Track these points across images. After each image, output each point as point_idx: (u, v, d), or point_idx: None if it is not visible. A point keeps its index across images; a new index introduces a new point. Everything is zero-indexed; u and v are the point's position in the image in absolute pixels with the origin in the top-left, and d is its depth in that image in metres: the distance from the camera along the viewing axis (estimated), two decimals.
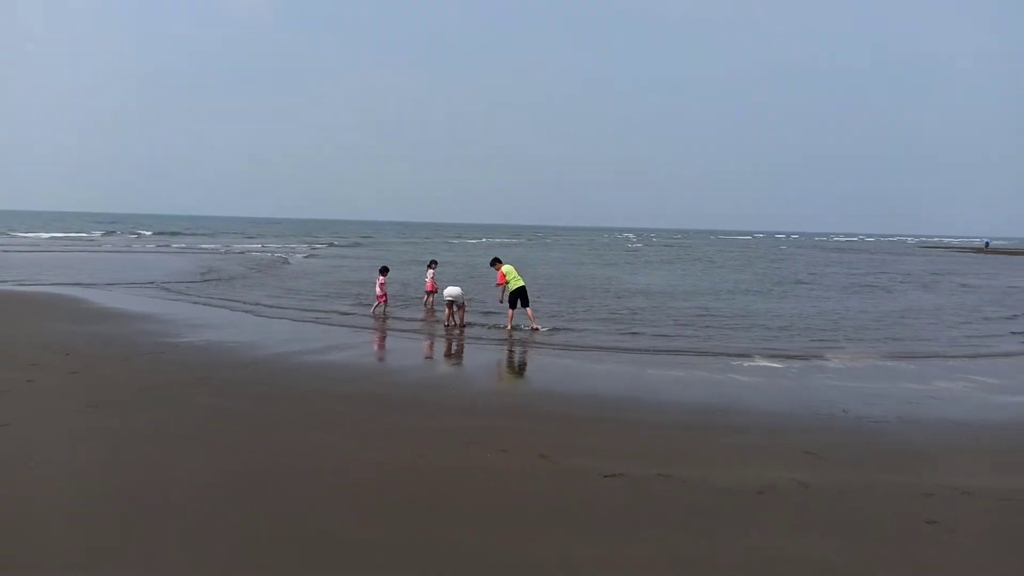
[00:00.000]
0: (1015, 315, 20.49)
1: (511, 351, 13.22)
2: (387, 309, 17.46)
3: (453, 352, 13.33)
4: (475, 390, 9.79)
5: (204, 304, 18.73)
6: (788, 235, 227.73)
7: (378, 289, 17.25)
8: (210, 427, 7.39)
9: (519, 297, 15.31)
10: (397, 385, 9.72)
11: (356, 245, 66.15)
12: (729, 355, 13.15)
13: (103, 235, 68.63)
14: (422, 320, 16.94)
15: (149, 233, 75.93)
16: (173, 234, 76.90)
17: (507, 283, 15.36)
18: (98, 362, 10.39)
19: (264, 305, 18.65)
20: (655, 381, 10.62)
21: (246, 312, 17.35)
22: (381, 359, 12.31)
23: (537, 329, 15.03)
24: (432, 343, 14.15)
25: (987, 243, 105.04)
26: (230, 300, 19.66)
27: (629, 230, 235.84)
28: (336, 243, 68.55)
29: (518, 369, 11.94)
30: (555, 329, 15.42)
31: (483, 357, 12.80)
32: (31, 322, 14.11)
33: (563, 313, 18.45)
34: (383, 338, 14.46)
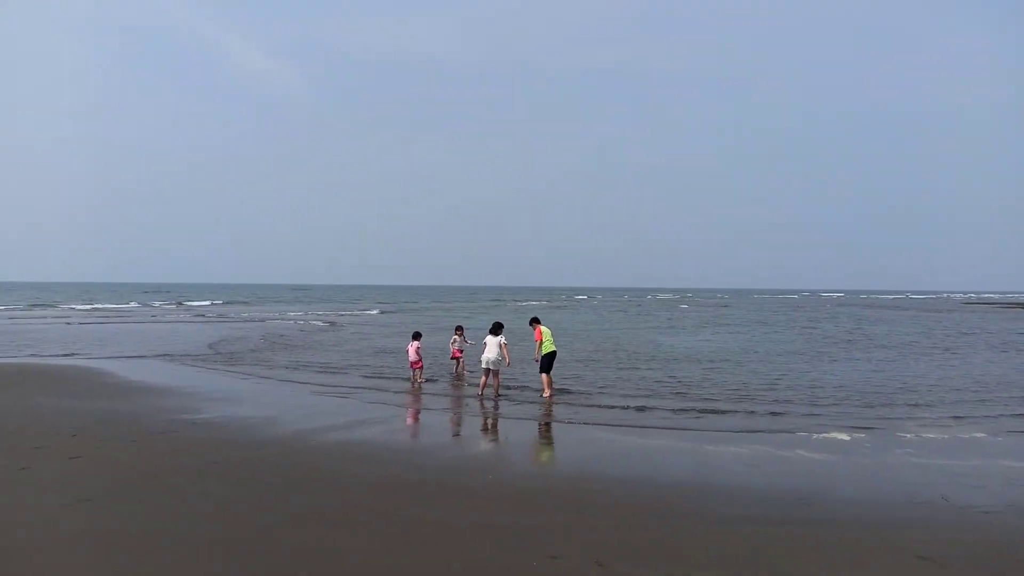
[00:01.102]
0: None
1: (550, 424, 12.14)
2: (421, 375, 16.67)
3: (488, 426, 12.30)
4: (515, 473, 8.71)
5: (229, 374, 18.06)
6: (821, 294, 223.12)
7: (412, 355, 16.48)
8: (211, 525, 6.44)
9: (548, 361, 14.91)
10: (426, 468, 8.71)
11: (398, 311, 65.90)
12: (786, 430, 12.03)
13: (139, 305, 69.44)
14: (451, 389, 16.02)
15: (206, 303, 76.03)
16: (227, 303, 77.41)
17: (541, 342, 14.91)
18: (105, 444, 9.60)
19: (289, 375, 17.90)
20: (715, 460, 9.44)
21: (270, 382, 16.62)
22: (409, 436, 11.28)
23: (549, 397, 14.41)
24: (464, 416, 13.16)
25: None
26: (256, 370, 18.98)
27: (663, 290, 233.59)
28: (379, 310, 68.43)
29: (562, 447, 10.76)
30: (565, 391, 15.02)
31: (521, 432, 11.73)
32: (49, 397, 13.50)
33: (608, 381, 17.32)
34: (411, 411, 13.51)
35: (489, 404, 13.92)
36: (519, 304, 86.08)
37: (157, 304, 69.66)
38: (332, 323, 42.97)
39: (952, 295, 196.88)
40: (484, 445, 10.84)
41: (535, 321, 15.77)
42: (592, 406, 13.58)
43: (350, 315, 55.08)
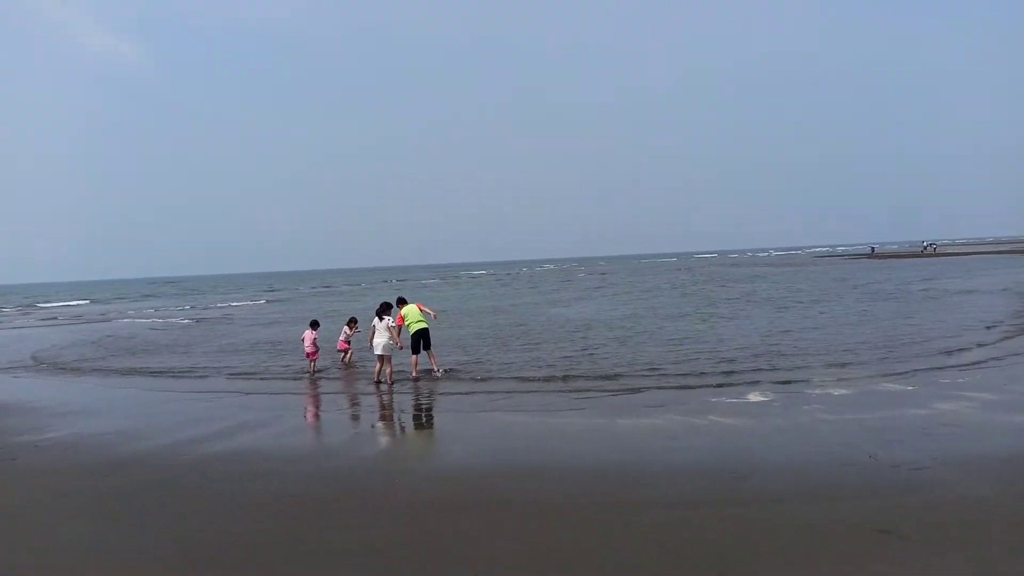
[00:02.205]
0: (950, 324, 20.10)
1: (452, 412, 11.22)
2: (315, 366, 15.51)
3: (386, 420, 11.26)
4: (425, 474, 7.75)
5: (87, 381, 15.90)
6: (689, 255, 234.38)
7: (308, 345, 15.33)
8: None
9: (421, 339, 14.43)
10: (326, 477, 7.59)
11: (281, 300, 62.28)
12: (691, 387, 11.81)
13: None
14: (342, 380, 14.83)
15: (67, 303, 67.52)
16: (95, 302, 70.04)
17: (405, 325, 14.35)
18: None
19: (158, 375, 15.98)
20: (633, 436, 8.90)
21: (135, 388, 14.72)
22: (302, 438, 10.02)
23: (437, 373, 14.24)
24: (360, 411, 12.05)
25: (873, 248, 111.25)
26: (117, 373, 16.86)
27: (548, 261, 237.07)
28: (261, 299, 64.46)
29: (469, 437, 9.53)
30: (451, 370, 14.63)
31: (423, 423, 10.83)
32: None
33: (507, 359, 16.62)
34: (303, 408, 12.23)
35: (385, 395, 12.84)
36: (413, 284, 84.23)
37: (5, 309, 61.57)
38: (199, 319, 39.49)
39: (805, 250, 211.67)
40: (386, 443, 9.82)
41: (400, 302, 14.93)
42: (493, 391, 12.72)
43: (230, 307, 51.38)
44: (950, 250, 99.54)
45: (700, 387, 11.90)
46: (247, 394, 13.34)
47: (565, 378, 13.33)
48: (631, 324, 23.01)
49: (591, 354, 16.28)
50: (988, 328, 17.51)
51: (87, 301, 71.80)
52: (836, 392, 11.02)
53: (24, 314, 51.88)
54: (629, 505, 6.30)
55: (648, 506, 6.23)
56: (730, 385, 11.93)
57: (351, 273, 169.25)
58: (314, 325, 15.96)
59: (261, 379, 15.09)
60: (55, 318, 45.38)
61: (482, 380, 13.55)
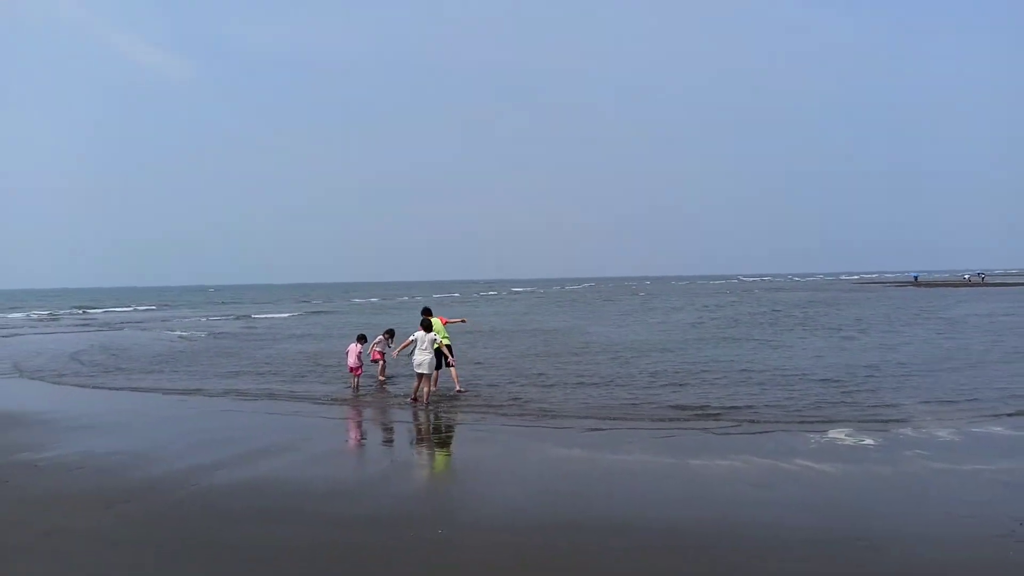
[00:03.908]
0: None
1: (482, 438, 9.97)
2: (358, 382, 14.45)
3: (426, 446, 10.09)
4: (473, 522, 6.51)
5: (108, 391, 15.06)
6: (740, 277, 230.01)
7: (352, 360, 14.33)
8: None
9: (443, 354, 13.40)
10: (354, 523, 6.40)
11: (319, 312, 61.79)
12: (762, 422, 10.48)
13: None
14: (377, 397, 13.74)
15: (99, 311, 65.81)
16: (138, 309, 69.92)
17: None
18: None
19: (183, 388, 15.05)
20: (715, 483, 7.60)
21: (158, 401, 13.81)
22: (329, 468, 8.74)
23: (460, 389, 13.73)
24: (395, 434, 10.92)
25: (916, 277, 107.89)
26: (141, 383, 15.99)
27: (586, 280, 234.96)
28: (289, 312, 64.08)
29: (521, 475, 8.25)
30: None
31: (467, 453, 9.59)
32: None
33: (552, 382, 15.37)
34: (334, 431, 11.12)
35: (423, 418, 11.69)
36: (474, 296, 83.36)
37: (34, 315, 61.02)
38: (226, 331, 38.86)
39: (841, 276, 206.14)
40: (423, 478, 8.62)
41: (426, 313, 13.49)
42: (541, 419, 11.47)
43: (271, 318, 50.75)
44: (999, 280, 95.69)
45: (775, 422, 10.55)
46: (273, 414, 12.28)
47: (622, 407, 12.04)
48: (682, 348, 21.60)
49: (646, 381, 14.94)
50: None
51: (131, 308, 70.37)
52: (940, 434, 9.58)
53: (83, 321, 51.78)
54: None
55: None
56: (809, 422, 10.54)
57: (383, 287, 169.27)
58: (361, 339, 14.85)
59: (291, 396, 13.98)
60: (90, 324, 45.14)
61: (529, 408, 12.28)
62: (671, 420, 10.88)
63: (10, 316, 54.69)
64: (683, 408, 11.75)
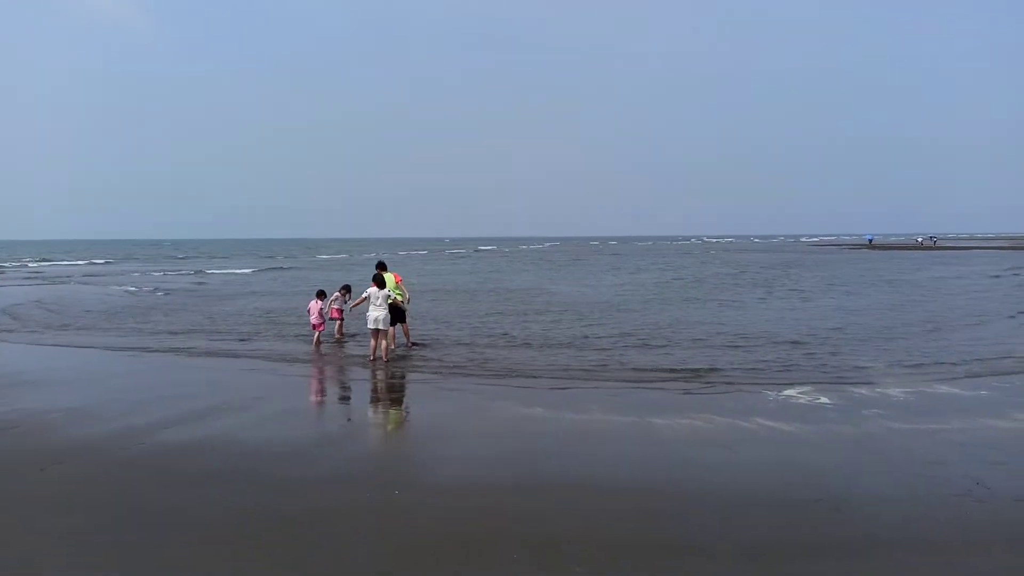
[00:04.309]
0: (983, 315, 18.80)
1: (442, 397, 9.75)
2: (319, 339, 14.31)
3: (382, 405, 9.85)
4: (430, 484, 6.30)
5: (46, 346, 14.42)
6: (671, 239, 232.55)
7: (314, 316, 14.24)
8: None
9: (400, 312, 13.26)
10: (309, 486, 6.14)
11: (275, 268, 60.46)
12: (730, 382, 10.49)
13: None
14: (333, 354, 13.43)
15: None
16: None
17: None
18: None
19: (129, 345, 14.50)
20: (674, 443, 7.51)
21: (104, 355, 13.28)
22: (284, 428, 8.31)
23: (410, 345, 13.77)
24: (352, 392, 10.65)
25: (871, 239, 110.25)
26: (84, 340, 15.38)
27: (533, 240, 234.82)
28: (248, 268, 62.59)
29: (477, 433, 8.06)
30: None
31: (427, 411, 9.37)
32: None
33: (509, 337, 15.20)
34: (289, 389, 10.78)
35: (381, 376, 11.43)
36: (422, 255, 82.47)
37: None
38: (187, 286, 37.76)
39: (793, 239, 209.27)
40: (383, 438, 8.38)
41: (380, 267, 13.43)
42: (503, 378, 11.28)
43: (222, 273, 49.47)
44: (951, 244, 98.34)
45: (734, 383, 10.55)
46: (225, 371, 11.88)
47: (586, 367, 11.92)
48: (645, 308, 21.61)
49: (607, 341, 14.87)
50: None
51: (103, 261, 67.27)
52: (894, 394, 9.67)
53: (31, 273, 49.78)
54: (699, 551, 4.88)
55: (723, 555, 4.80)
56: (774, 384, 10.54)
57: (348, 244, 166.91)
58: (320, 295, 14.62)
59: (245, 354, 13.52)
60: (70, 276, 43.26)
61: (491, 367, 12.06)
62: (636, 382, 10.78)
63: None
64: (648, 370, 11.68)
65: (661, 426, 8.15)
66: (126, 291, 30.34)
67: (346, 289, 15.14)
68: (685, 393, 9.97)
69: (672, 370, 11.52)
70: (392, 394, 10.43)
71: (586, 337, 15.08)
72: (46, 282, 36.71)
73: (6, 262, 62.21)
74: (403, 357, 12.82)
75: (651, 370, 11.60)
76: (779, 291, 27.51)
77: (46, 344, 14.87)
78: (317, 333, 14.33)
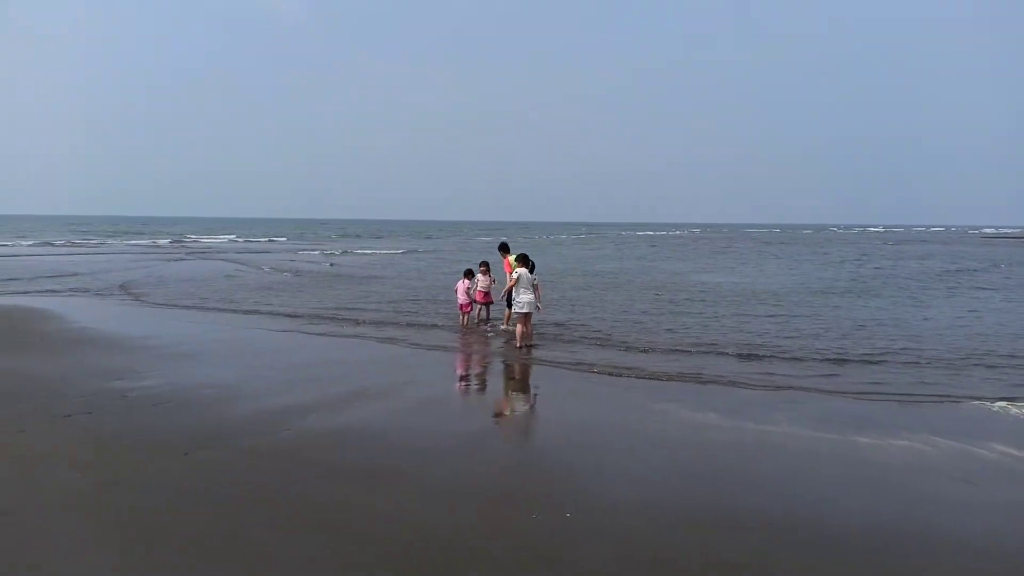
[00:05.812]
0: None
1: (599, 394, 8.74)
2: (467, 320, 14.11)
3: (532, 398, 8.98)
4: (605, 505, 5.28)
5: (217, 318, 14.93)
6: (822, 228, 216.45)
7: (461, 296, 14.03)
8: None
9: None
10: (455, 496, 5.35)
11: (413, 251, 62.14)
12: (922, 397, 8.81)
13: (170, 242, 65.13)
14: (481, 339, 12.84)
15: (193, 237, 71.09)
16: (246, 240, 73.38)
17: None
18: None
19: (288, 319, 14.68)
20: (892, 470, 6.06)
21: (262, 329, 13.50)
22: (431, 420, 7.60)
23: (505, 325, 13.40)
24: (502, 380, 9.89)
25: None
26: (248, 310, 15.82)
27: (664, 226, 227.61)
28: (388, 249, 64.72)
29: (647, 438, 7.04)
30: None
31: (581, 409, 8.32)
32: None
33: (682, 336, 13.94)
34: (442, 375, 10.21)
35: (529, 363, 10.63)
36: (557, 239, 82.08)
37: (163, 242, 63.25)
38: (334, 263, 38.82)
39: (968, 230, 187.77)
40: (539, 439, 7.45)
41: (504, 249, 14.07)
42: (665, 373, 10.15)
43: (372, 253, 51.40)
44: None
45: (940, 396, 8.80)
46: (373, 351, 11.56)
47: (749, 357, 10.52)
48: (785, 298, 19.49)
49: (769, 334, 13.26)
50: None
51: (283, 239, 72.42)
52: None
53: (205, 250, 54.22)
54: None
55: None
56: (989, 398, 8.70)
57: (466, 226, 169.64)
58: (468, 275, 14.13)
59: (395, 336, 13.17)
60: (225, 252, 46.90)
61: (654, 363, 10.88)
62: (831, 391, 9.25)
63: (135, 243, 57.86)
64: (845, 361, 10.14)
65: (868, 446, 6.73)
66: (290, 268, 31.79)
67: (486, 265, 14.37)
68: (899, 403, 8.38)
69: (874, 382, 9.82)
70: (542, 387, 9.53)
71: (768, 332, 13.51)
72: (231, 257, 39.38)
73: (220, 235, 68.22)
74: (544, 346, 11.93)
75: (850, 360, 10.01)
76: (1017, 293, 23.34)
77: (209, 315, 15.40)
78: (464, 315, 13.93)
